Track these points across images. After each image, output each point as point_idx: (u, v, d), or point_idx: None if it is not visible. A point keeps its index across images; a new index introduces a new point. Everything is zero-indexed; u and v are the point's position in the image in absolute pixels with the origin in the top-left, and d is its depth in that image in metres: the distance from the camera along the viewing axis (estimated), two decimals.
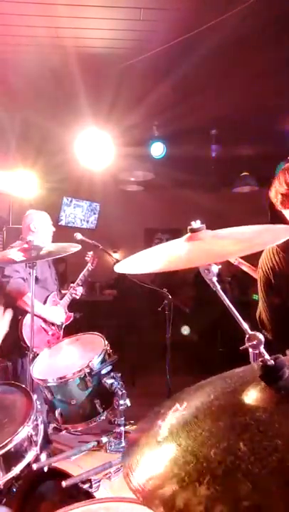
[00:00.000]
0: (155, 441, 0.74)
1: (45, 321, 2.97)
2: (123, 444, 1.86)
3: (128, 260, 1.05)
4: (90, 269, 3.28)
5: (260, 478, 0.57)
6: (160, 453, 0.71)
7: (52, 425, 2.11)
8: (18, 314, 2.83)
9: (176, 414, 0.79)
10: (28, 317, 2.75)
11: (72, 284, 3.25)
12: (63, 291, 3.29)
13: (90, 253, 3.29)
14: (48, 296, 3.08)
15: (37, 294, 2.83)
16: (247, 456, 0.61)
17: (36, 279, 2.93)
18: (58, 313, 3.06)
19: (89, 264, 3.28)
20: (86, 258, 3.29)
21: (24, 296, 2.74)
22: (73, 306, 3.26)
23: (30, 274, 2.34)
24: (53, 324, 3.02)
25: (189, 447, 0.67)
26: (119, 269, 1.01)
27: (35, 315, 2.84)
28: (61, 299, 3.18)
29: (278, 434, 0.64)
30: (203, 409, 0.77)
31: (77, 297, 3.23)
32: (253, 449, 0.62)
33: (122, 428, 1.90)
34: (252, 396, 0.74)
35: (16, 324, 2.82)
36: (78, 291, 3.22)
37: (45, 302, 3.05)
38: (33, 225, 3.00)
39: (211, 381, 0.90)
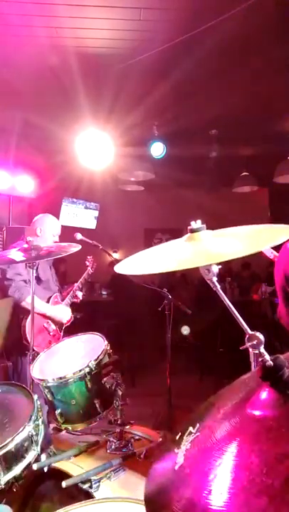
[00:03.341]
0: (173, 472, 0.72)
1: (47, 321, 2.97)
2: (123, 444, 1.86)
3: (128, 260, 1.05)
4: (90, 272, 3.37)
5: (274, 490, 0.57)
6: (179, 483, 0.69)
7: (52, 425, 2.11)
8: (20, 314, 2.84)
9: (190, 438, 0.77)
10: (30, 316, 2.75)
11: (74, 285, 3.26)
12: (63, 293, 3.29)
13: (90, 257, 3.34)
14: (50, 297, 3.09)
15: (40, 295, 2.84)
16: (260, 469, 0.60)
17: (39, 279, 2.94)
18: (64, 311, 3.07)
19: (89, 268, 3.37)
20: (86, 262, 3.34)
21: (26, 298, 2.75)
22: (73, 306, 3.27)
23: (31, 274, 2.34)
24: (55, 324, 3.03)
25: (208, 474, 0.66)
26: (119, 269, 1.01)
27: (40, 314, 2.86)
28: (62, 300, 3.18)
29: (286, 438, 0.63)
30: (215, 427, 0.75)
31: (78, 301, 3.25)
32: (264, 459, 0.61)
33: (122, 428, 1.90)
34: (258, 403, 0.73)
35: (17, 324, 2.83)
36: (78, 295, 3.24)
37: (47, 303, 3.05)
38: (40, 229, 3.02)
39: (220, 394, 0.89)
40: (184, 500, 0.64)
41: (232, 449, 0.67)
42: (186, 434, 0.79)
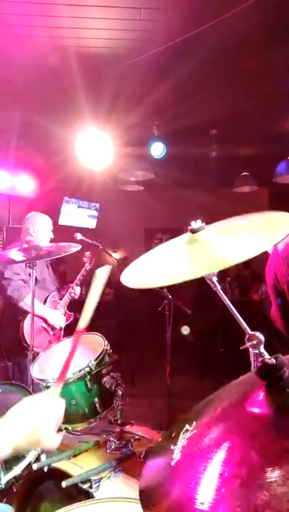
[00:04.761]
0: (169, 467, 0.72)
1: (45, 321, 2.97)
2: (123, 444, 1.85)
3: (130, 269, 1.05)
4: (87, 269, 3.34)
5: (274, 484, 0.57)
6: (175, 478, 0.69)
7: None
8: (19, 315, 2.83)
9: (186, 435, 0.77)
10: (28, 317, 2.75)
11: (71, 284, 3.26)
12: (62, 292, 3.29)
13: (87, 253, 3.33)
14: (47, 297, 3.08)
15: (37, 295, 2.82)
16: (260, 464, 0.61)
17: (36, 279, 2.94)
18: (59, 317, 3.06)
19: (87, 265, 3.35)
20: (84, 258, 3.33)
21: (25, 298, 2.74)
22: (74, 306, 3.26)
23: (30, 275, 2.34)
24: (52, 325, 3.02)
25: (204, 468, 0.66)
26: (126, 281, 1.01)
27: (37, 315, 2.85)
28: (60, 299, 3.18)
29: (285, 435, 0.64)
30: (212, 425, 0.76)
31: (76, 297, 3.24)
32: (264, 455, 0.62)
33: (122, 428, 1.90)
34: (257, 402, 0.74)
35: (16, 325, 2.82)
36: (76, 291, 3.22)
37: (44, 302, 3.05)
38: (33, 229, 3.01)
39: (218, 394, 0.89)
40: (180, 494, 0.65)
41: (230, 445, 0.68)
42: (183, 431, 0.79)
